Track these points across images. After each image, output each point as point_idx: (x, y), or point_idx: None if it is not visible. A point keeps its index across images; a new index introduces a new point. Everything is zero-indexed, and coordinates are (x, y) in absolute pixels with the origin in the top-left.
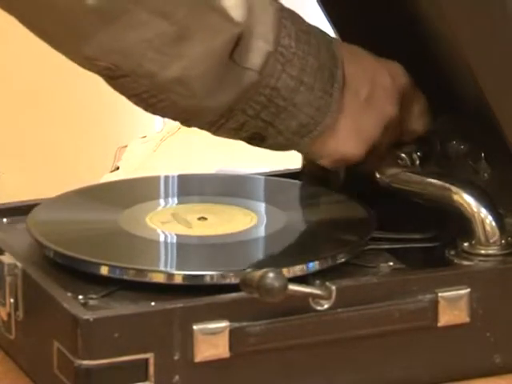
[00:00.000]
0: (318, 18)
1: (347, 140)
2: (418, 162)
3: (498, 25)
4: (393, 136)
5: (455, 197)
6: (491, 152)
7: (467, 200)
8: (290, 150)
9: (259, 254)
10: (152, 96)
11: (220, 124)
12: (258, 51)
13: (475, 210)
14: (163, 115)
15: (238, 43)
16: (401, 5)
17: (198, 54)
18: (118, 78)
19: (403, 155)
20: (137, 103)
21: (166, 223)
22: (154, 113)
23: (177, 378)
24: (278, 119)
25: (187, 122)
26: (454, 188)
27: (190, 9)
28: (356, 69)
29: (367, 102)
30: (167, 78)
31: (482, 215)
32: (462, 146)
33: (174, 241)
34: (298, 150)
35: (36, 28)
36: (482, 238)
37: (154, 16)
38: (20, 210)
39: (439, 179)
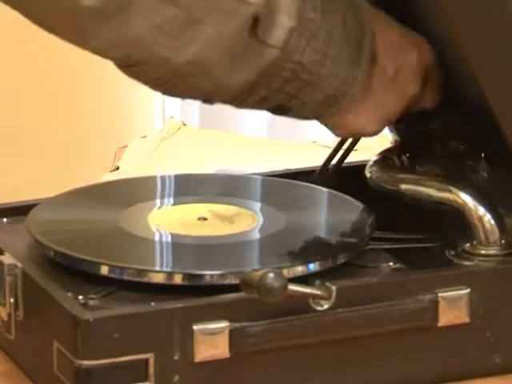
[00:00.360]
0: None
1: (369, 115)
2: (406, 164)
3: (498, 25)
4: (404, 110)
5: (454, 198)
6: (491, 152)
7: (467, 200)
8: (312, 120)
9: (259, 255)
10: (168, 81)
11: (242, 99)
12: (281, 27)
13: (475, 210)
14: (183, 97)
15: (260, 19)
16: (401, 5)
17: (211, 37)
18: (131, 67)
19: (393, 157)
20: (154, 88)
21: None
22: (174, 96)
23: (177, 378)
24: (302, 92)
25: (208, 101)
26: (453, 189)
27: None
28: (385, 42)
29: (393, 79)
30: (181, 62)
31: (482, 215)
32: (462, 146)
33: (174, 241)
34: (320, 121)
35: (42, 24)
36: (482, 238)
37: (161, 1)
38: (20, 210)
39: (438, 181)
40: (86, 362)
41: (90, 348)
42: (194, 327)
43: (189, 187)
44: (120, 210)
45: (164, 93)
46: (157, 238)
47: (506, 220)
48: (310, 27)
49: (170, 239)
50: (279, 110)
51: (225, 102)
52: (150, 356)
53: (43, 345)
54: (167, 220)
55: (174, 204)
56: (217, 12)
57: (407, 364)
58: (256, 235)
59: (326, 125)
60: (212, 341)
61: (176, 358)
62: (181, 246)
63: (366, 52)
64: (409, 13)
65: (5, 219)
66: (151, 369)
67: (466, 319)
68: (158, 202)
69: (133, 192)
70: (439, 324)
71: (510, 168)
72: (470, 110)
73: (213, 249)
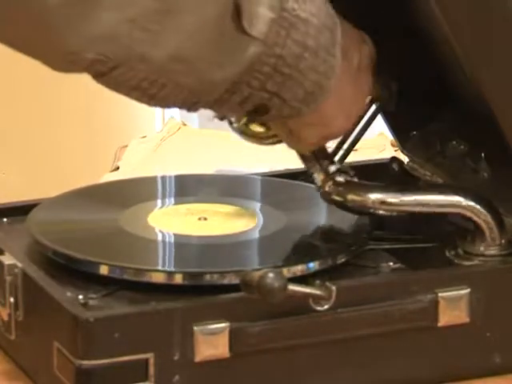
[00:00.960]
0: None
1: (341, 112)
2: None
3: (498, 25)
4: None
5: (454, 200)
6: (491, 152)
7: (467, 201)
8: (291, 119)
9: (259, 254)
10: (152, 83)
11: (224, 99)
12: (262, 18)
13: (475, 210)
14: (168, 104)
15: (242, 8)
16: (401, 5)
17: (190, 26)
18: (110, 72)
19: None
20: (138, 98)
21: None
22: (159, 104)
23: (177, 378)
24: (283, 88)
25: (194, 105)
26: (452, 193)
27: None
28: (346, 34)
29: (357, 71)
30: (162, 56)
31: (482, 215)
32: (462, 146)
33: (174, 241)
34: (292, 125)
35: (9, 40)
36: (482, 238)
37: None
38: (20, 210)
39: (438, 189)
40: (86, 362)
41: (90, 348)
42: (194, 327)
43: (189, 187)
44: (120, 210)
45: (149, 103)
46: (157, 237)
47: (506, 220)
48: (288, 18)
49: (169, 239)
50: (258, 112)
51: (207, 105)
52: (150, 356)
53: (43, 345)
54: (167, 220)
55: (174, 204)
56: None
57: (407, 364)
58: (256, 235)
59: (294, 130)
60: (212, 341)
61: (176, 358)
62: (181, 246)
63: (338, 42)
64: (409, 13)
65: (5, 219)
66: (151, 369)
67: (466, 319)
68: (158, 202)
69: (133, 192)
70: (439, 324)
71: (510, 168)
72: (469, 110)
73: (213, 249)
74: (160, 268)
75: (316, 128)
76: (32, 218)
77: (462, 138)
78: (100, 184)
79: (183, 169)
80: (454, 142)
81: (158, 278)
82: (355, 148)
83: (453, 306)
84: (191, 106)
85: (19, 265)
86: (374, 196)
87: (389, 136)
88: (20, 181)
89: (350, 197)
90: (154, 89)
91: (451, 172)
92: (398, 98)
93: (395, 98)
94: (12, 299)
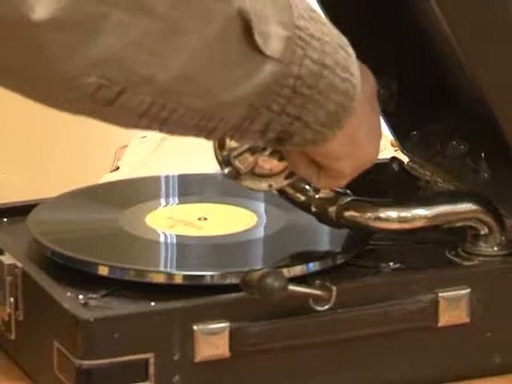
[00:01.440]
0: None
1: (366, 137)
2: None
3: (498, 25)
4: None
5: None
6: (491, 152)
7: (467, 201)
8: (316, 148)
9: (259, 254)
10: (162, 107)
11: (244, 128)
12: (276, 36)
13: (475, 210)
14: (183, 130)
15: (252, 21)
16: (401, 5)
17: (196, 45)
18: (116, 99)
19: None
20: (148, 125)
21: (170, 225)
22: (173, 130)
23: (177, 377)
24: (304, 111)
25: (212, 132)
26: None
27: (176, 5)
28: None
29: (370, 100)
30: (169, 77)
31: (482, 215)
32: (462, 146)
33: (174, 241)
34: (323, 146)
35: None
36: (482, 238)
37: (133, 14)
38: (20, 210)
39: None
40: (86, 362)
41: (90, 348)
42: (194, 327)
43: (189, 187)
44: (120, 210)
45: (161, 129)
46: (157, 238)
47: (506, 220)
48: (303, 36)
49: (169, 239)
50: (281, 139)
51: (227, 132)
52: (150, 356)
53: (43, 345)
54: (167, 220)
55: (174, 204)
56: (196, 16)
57: (407, 364)
58: (256, 235)
59: (331, 154)
60: (212, 341)
61: (176, 358)
62: (181, 246)
63: (355, 61)
64: (409, 13)
65: (5, 219)
66: (151, 369)
67: (466, 319)
68: (158, 202)
69: (133, 192)
70: (439, 324)
71: (510, 168)
72: (470, 110)
73: (213, 249)
74: (160, 269)
75: (347, 159)
76: (32, 217)
77: (462, 138)
78: (100, 184)
79: (183, 169)
80: (454, 142)
81: (158, 278)
82: None
83: (453, 306)
84: (209, 133)
85: (19, 265)
86: (385, 214)
87: (389, 136)
88: (20, 181)
89: (357, 217)
90: (164, 113)
91: (451, 172)
92: (398, 97)
93: (395, 98)
94: (12, 299)
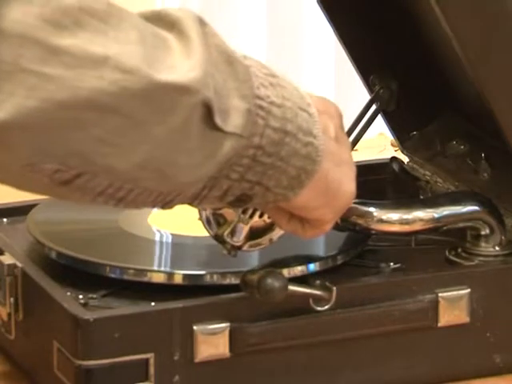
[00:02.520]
0: (317, 21)
1: (342, 179)
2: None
3: (498, 25)
4: None
5: (458, 205)
6: (491, 152)
7: (470, 204)
8: (283, 203)
9: (259, 254)
10: (118, 189)
11: (203, 196)
12: (236, 111)
13: (475, 210)
14: (138, 206)
15: (212, 106)
16: (401, 5)
17: (157, 136)
18: (72, 181)
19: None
20: (105, 202)
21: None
22: (128, 207)
23: (177, 378)
24: (265, 177)
25: (168, 204)
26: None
27: (133, 95)
28: (316, 103)
29: (337, 140)
30: (129, 166)
31: (484, 216)
32: (462, 146)
33: (174, 241)
34: (295, 202)
35: None
36: (482, 238)
37: (99, 114)
38: (20, 210)
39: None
40: (86, 362)
41: (90, 348)
42: (194, 327)
43: None
44: (120, 210)
45: (116, 205)
46: (157, 238)
47: (506, 220)
48: (263, 105)
49: (170, 239)
50: (241, 201)
51: (184, 201)
52: (150, 356)
53: (43, 345)
54: (167, 220)
55: None
56: (161, 110)
57: (407, 364)
58: None
59: (298, 208)
60: (212, 341)
61: (176, 358)
62: (181, 246)
63: (317, 121)
64: (409, 13)
65: (5, 219)
66: (151, 369)
67: (466, 319)
68: None
69: None
70: (439, 324)
71: (510, 168)
72: (470, 110)
73: (213, 249)
74: (160, 268)
75: (325, 207)
76: (32, 217)
77: (462, 138)
78: None
79: None
80: (454, 142)
81: (158, 278)
82: (355, 148)
83: (453, 306)
84: (165, 205)
85: (19, 265)
86: (387, 216)
87: (389, 136)
88: None
89: (359, 220)
90: (121, 193)
91: (451, 172)
92: (398, 97)
93: (395, 98)
94: (12, 299)
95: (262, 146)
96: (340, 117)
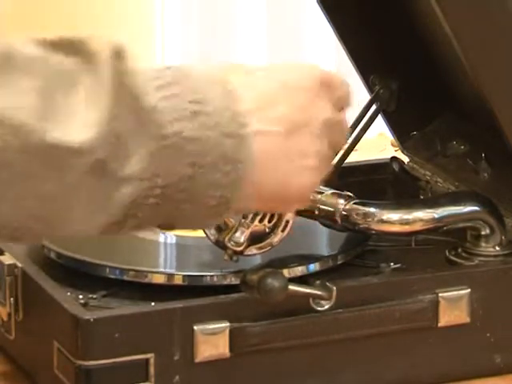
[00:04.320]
0: (317, 21)
1: (291, 175)
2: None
3: (498, 25)
4: None
5: (458, 206)
6: (491, 152)
7: (470, 204)
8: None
9: (259, 255)
10: (15, 230)
11: (113, 232)
12: (137, 154)
13: (475, 210)
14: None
15: (106, 160)
16: (401, 5)
17: (50, 192)
18: None
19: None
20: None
21: None
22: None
23: (177, 378)
24: (179, 209)
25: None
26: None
27: (21, 151)
28: (297, 100)
29: (325, 124)
30: (18, 218)
31: (485, 216)
32: (462, 146)
33: (174, 241)
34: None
35: None
36: (482, 238)
37: None
38: None
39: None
40: (85, 362)
41: (90, 348)
42: (194, 327)
43: None
44: None
45: (15, 242)
46: (157, 238)
47: (506, 220)
48: (172, 144)
49: (169, 240)
50: (164, 227)
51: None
52: (150, 356)
53: (43, 345)
54: None
55: None
56: (48, 167)
57: (407, 364)
58: None
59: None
60: (212, 341)
61: (176, 358)
62: (181, 247)
63: (248, 140)
64: (409, 13)
65: None
66: (151, 369)
67: (466, 319)
68: None
69: None
70: (439, 324)
71: (510, 168)
72: (470, 110)
73: (213, 249)
74: (160, 269)
75: (282, 205)
76: None
77: (462, 138)
78: None
79: None
80: (454, 142)
81: (158, 279)
82: (355, 148)
83: (453, 306)
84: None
85: (19, 265)
86: (387, 217)
87: (389, 136)
88: None
89: (360, 220)
90: (17, 233)
91: (451, 172)
92: (397, 97)
93: (395, 98)
94: (12, 299)
95: (171, 183)
96: (343, 87)
